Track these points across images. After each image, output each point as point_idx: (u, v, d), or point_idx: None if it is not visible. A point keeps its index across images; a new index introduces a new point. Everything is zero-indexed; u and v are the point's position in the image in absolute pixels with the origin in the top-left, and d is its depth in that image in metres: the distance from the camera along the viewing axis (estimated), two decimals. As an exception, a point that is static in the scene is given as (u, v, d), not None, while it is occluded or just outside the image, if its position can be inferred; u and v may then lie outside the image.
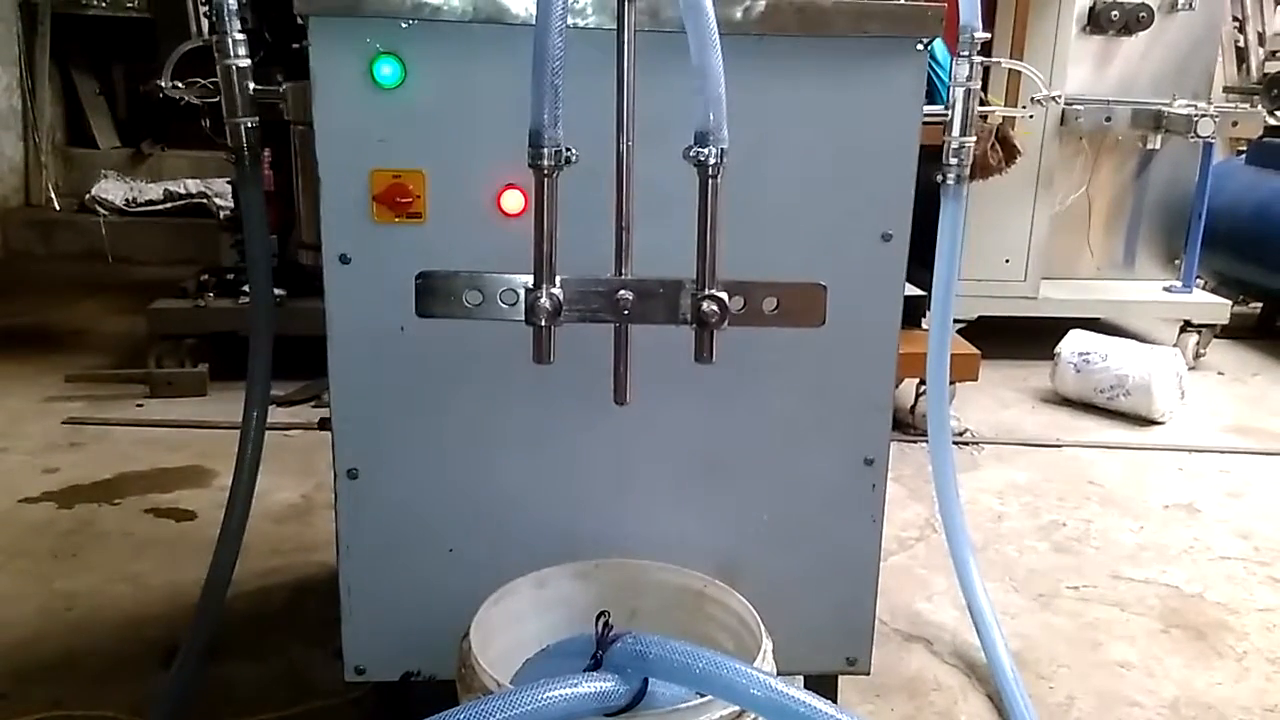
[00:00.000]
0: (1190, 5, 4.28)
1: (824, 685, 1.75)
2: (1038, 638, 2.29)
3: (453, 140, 1.47)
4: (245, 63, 1.62)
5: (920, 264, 1.81)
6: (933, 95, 1.61)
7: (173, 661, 1.85)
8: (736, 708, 1.25)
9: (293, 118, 1.64)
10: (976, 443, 3.44)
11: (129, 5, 5.99)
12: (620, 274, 1.32)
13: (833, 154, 1.53)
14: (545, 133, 1.22)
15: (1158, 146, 4.29)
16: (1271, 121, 4.86)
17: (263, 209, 1.76)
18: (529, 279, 1.27)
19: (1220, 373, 4.36)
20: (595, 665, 1.26)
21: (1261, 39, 6.00)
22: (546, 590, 1.53)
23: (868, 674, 1.78)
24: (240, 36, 1.60)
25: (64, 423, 3.32)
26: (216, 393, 3.56)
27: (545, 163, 1.23)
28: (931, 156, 1.79)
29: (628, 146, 1.30)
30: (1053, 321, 4.16)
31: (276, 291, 2.01)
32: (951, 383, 3.14)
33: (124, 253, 5.74)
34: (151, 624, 2.20)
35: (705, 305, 1.27)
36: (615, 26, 1.29)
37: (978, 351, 3.34)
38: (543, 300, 1.26)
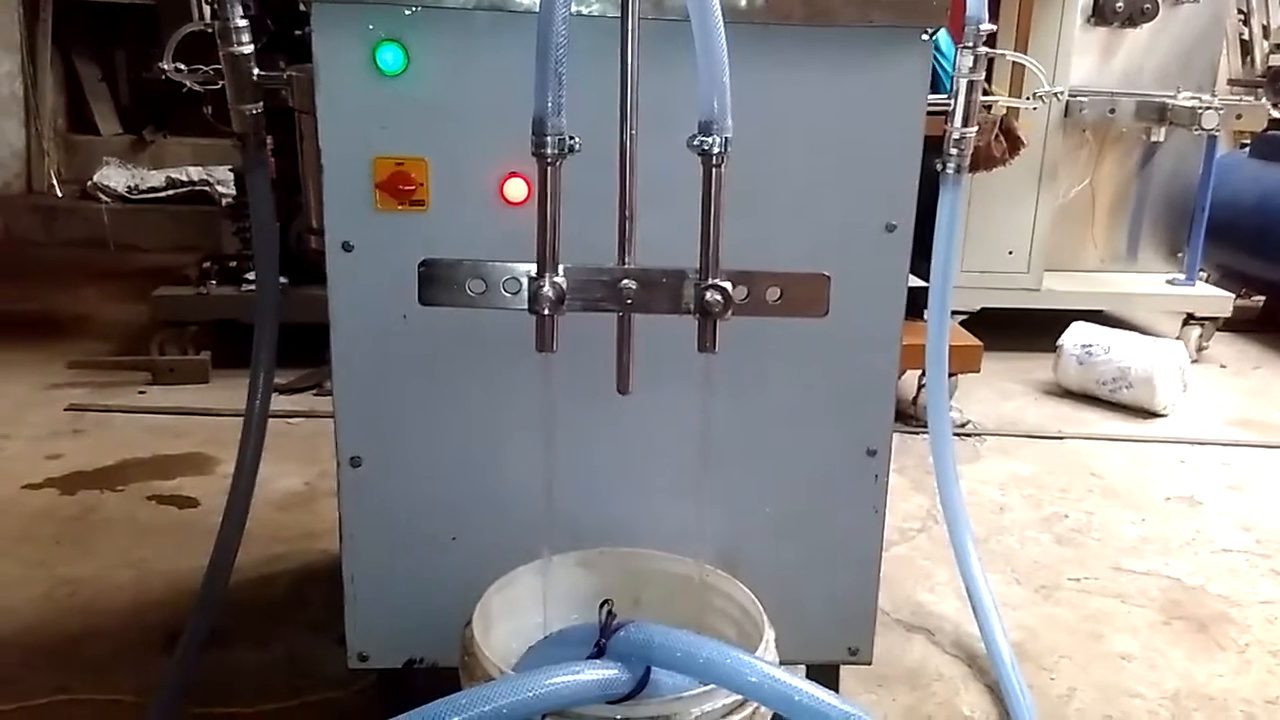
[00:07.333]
0: (1195, -3, 4.26)
1: (826, 675, 1.76)
2: (1039, 629, 2.29)
3: (456, 128, 1.46)
4: (249, 49, 1.61)
5: (924, 255, 1.81)
6: (936, 86, 1.60)
7: (175, 648, 1.85)
8: (739, 697, 1.26)
9: (296, 105, 1.63)
10: (979, 434, 3.44)
11: (130, -10, 5.98)
12: (623, 263, 1.32)
13: (837, 144, 1.52)
14: (548, 121, 1.22)
15: (1161, 139, 4.29)
16: (1275, 115, 4.85)
17: (268, 195, 1.76)
18: (532, 268, 1.27)
19: (1222, 365, 4.35)
20: (598, 653, 1.26)
21: (1266, 32, 5.98)
22: (549, 578, 1.53)
23: (869, 664, 1.79)
24: (243, 23, 1.60)
25: (66, 409, 3.33)
26: (219, 380, 3.56)
27: (548, 151, 1.23)
28: (936, 147, 1.79)
29: (631, 135, 1.30)
30: (1055, 313, 4.15)
31: (280, 279, 2.01)
32: (954, 374, 3.16)
33: (126, 240, 5.73)
34: (154, 610, 2.20)
35: (708, 295, 1.27)
36: (619, 14, 1.28)
37: (980, 343, 3.34)
38: (545, 289, 1.26)
